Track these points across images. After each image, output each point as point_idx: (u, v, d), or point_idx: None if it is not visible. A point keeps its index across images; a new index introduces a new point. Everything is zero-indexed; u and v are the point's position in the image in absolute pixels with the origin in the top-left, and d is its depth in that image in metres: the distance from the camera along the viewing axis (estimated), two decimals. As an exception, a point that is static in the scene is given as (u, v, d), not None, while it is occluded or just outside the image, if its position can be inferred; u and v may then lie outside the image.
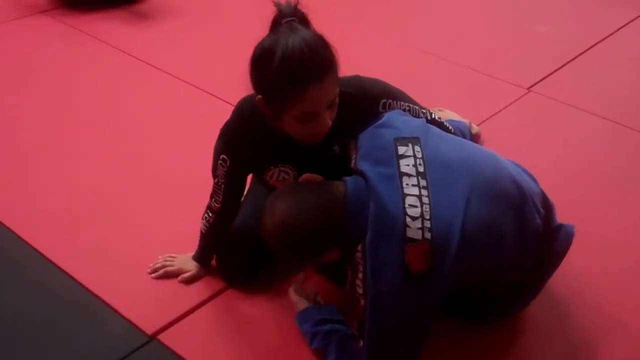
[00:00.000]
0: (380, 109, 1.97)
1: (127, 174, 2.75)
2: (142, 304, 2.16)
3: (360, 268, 1.75)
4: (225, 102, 3.12)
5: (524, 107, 3.24)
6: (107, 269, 2.27)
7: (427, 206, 1.74)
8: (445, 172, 1.82)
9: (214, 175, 2.08)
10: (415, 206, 1.73)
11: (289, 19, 1.78)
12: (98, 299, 2.18)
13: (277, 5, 1.81)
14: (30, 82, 3.42)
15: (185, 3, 4.28)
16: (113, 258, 2.32)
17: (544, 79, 3.50)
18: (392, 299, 1.73)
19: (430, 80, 3.46)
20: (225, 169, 2.02)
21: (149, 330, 2.07)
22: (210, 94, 3.27)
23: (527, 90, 3.39)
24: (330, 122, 1.82)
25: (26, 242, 2.40)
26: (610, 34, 3.99)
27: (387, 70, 3.49)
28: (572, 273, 2.27)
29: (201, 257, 2.25)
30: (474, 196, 1.80)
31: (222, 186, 2.07)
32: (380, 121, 1.93)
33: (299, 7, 1.81)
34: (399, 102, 2.01)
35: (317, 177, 1.87)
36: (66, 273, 2.27)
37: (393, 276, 1.71)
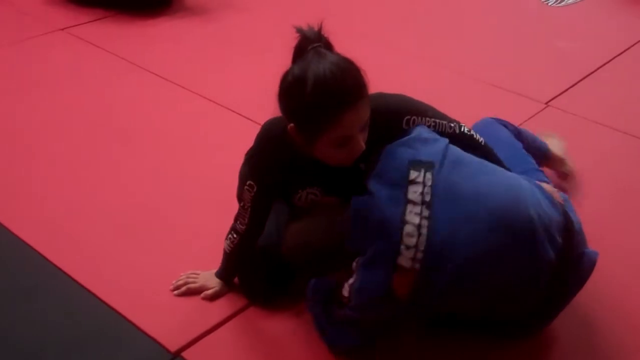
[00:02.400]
0: (404, 126, 1.97)
1: (150, 190, 2.75)
2: (166, 321, 2.16)
3: (353, 276, 1.87)
4: (247, 118, 3.13)
5: (542, 122, 3.23)
6: (130, 286, 2.28)
7: (424, 237, 1.78)
8: (452, 204, 1.83)
9: (240, 199, 2.10)
10: (412, 235, 1.78)
11: (315, 45, 1.79)
12: (121, 317, 2.18)
13: (301, 31, 1.82)
14: (50, 98, 3.43)
15: (204, 20, 4.30)
16: (136, 275, 2.33)
17: (562, 93, 3.49)
18: (371, 310, 1.90)
19: (448, 95, 3.43)
20: (252, 195, 2.03)
21: (173, 347, 2.07)
22: (232, 111, 3.27)
23: (545, 105, 3.38)
24: (364, 145, 1.83)
25: (49, 261, 2.40)
26: (628, 48, 3.99)
27: (406, 86, 3.52)
28: (597, 291, 2.25)
29: (224, 274, 2.25)
30: (478, 230, 1.82)
31: (249, 210, 2.07)
32: (403, 139, 1.93)
33: (322, 31, 1.82)
34: (424, 118, 2.01)
35: (334, 200, 1.99)
36: (90, 291, 2.27)
37: (377, 293, 1.83)
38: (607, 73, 3.73)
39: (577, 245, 2.01)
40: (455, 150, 1.96)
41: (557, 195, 2.09)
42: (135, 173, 2.86)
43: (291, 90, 1.79)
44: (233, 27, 4.22)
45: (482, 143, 2.12)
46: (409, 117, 1.98)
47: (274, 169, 2.00)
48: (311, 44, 1.79)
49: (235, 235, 2.14)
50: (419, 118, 1.99)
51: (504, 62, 3.83)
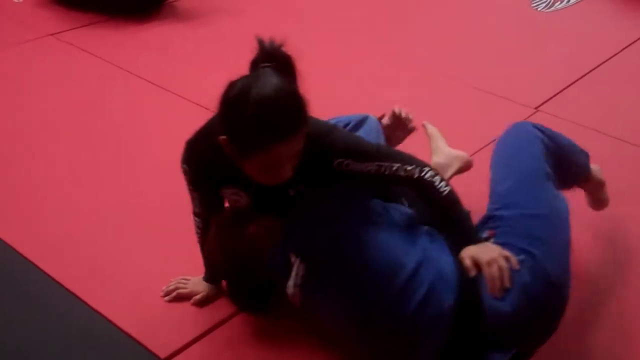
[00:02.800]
0: (335, 167, 1.92)
1: (141, 195, 2.75)
2: (156, 327, 2.15)
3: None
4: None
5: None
6: (119, 291, 2.27)
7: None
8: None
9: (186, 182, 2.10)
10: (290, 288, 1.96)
11: (266, 64, 1.77)
12: (110, 323, 2.17)
13: (260, 44, 1.81)
14: (39, 104, 3.42)
15: (193, 24, 4.31)
16: (126, 280, 2.32)
17: (551, 98, 3.50)
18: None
19: (437, 100, 3.46)
20: (188, 178, 2.05)
21: (162, 354, 2.06)
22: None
23: (535, 110, 3.39)
24: (291, 172, 1.83)
25: (37, 267, 2.39)
26: (617, 53, 4.01)
27: (396, 92, 3.57)
28: (592, 297, 2.27)
29: (209, 276, 2.24)
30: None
31: (194, 194, 2.09)
32: (321, 194, 1.98)
33: (283, 48, 1.79)
34: (363, 163, 1.93)
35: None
36: (78, 297, 2.27)
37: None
38: (596, 78, 3.75)
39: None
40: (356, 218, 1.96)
41: (513, 260, 1.87)
42: (126, 178, 2.85)
43: (231, 105, 1.76)
44: (223, 32, 4.22)
45: (444, 194, 1.94)
46: (341, 160, 1.91)
47: (204, 160, 1.99)
48: (266, 61, 1.78)
49: (197, 218, 2.15)
50: (355, 163, 1.92)
51: (494, 67, 3.84)
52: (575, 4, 4.67)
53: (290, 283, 1.95)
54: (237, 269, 2.10)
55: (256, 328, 2.18)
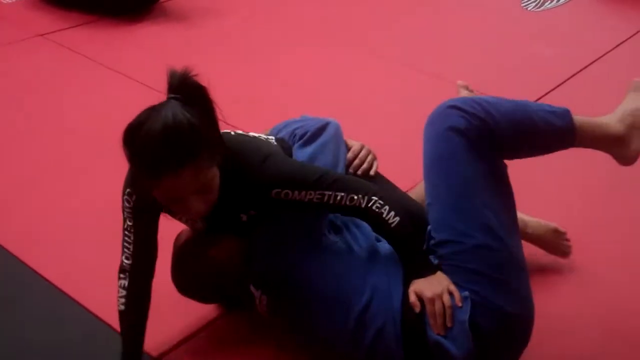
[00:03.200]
0: (274, 197, 1.88)
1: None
2: (148, 326, 2.12)
3: None
4: (229, 124, 3.11)
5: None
6: (112, 292, 2.25)
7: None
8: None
9: (123, 219, 1.96)
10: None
11: (172, 96, 1.75)
12: (103, 323, 2.18)
13: (170, 75, 1.77)
14: (30, 105, 3.42)
15: (183, 25, 4.30)
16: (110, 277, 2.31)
17: (540, 98, 3.49)
18: None
19: (424, 100, 3.43)
20: (130, 205, 1.92)
21: (155, 352, 2.07)
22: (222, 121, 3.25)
23: (524, 110, 3.39)
24: (204, 206, 1.79)
25: (30, 267, 2.39)
26: (607, 52, 4.02)
27: (382, 91, 3.58)
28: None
29: (127, 356, 1.98)
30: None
31: (132, 231, 1.93)
32: (273, 220, 1.98)
33: (193, 79, 1.77)
34: (302, 193, 1.87)
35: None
36: (71, 298, 2.27)
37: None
38: (586, 77, 3.76)
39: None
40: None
41: (457, 296, 1.81)
42: (117, 178, 2.83)
43: (125, 138, 1.75)
44: (213, 32, 4.22)
45: (393, 225, 1.86)
46: (278, 190, 1.86)
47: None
48: (175, 92, 1.76)
49: (124, 281, 1.95)
50: (293, 192, 1.86)
51: (482, 67, 3.84)
52: (564, 3, 4.68)
53: (258, 307, 2.01)
54: (202, 289, 2.11)
55: (246, 326, 2.18)
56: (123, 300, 1.95)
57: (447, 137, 1.89)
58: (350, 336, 1.87)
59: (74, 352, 2.10)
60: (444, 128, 1.89)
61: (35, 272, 2.38)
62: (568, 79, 3.72)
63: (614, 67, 3.88)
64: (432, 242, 1.89)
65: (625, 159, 2.10)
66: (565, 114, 2.01)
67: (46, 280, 2.34)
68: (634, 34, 4.26)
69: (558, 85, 3.64)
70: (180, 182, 1.72)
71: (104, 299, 2.22)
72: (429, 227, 1.91)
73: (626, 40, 4.18)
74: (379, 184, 2.13)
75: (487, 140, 1.89)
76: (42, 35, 4.10)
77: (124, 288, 1.95)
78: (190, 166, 1.71)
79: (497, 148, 1.92)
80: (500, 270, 1.84)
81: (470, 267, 1.83)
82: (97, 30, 4.20)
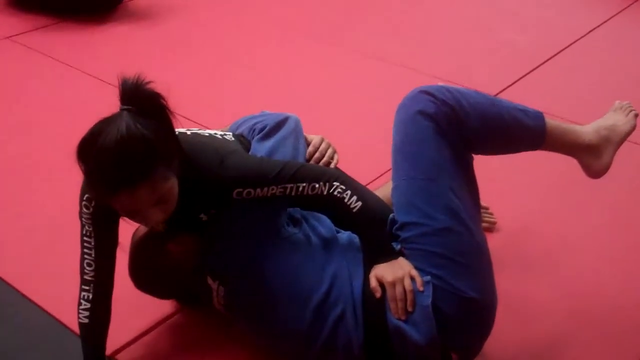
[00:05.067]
0: (235, 197, 1.87)
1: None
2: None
3: None
4: (193, 121, 3.09)
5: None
6: (66, 290, 2.22)
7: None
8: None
9: (81, 225, 1.89)
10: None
11: (124, 107, 1.70)
12: (56, 321, 2.15)
13: (122, 84, 1.71)
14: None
15: (148, 24, 4.27)
16: (71, 279, 2.26)
17: (511, 85, 3.50)
18: None
19: (395, 90, 3.42)
20: (90, 211, 1.86)
21: (108, 350, 2.00)
22: (180, 115, 3.21)
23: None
24: (162, 216, 1.76)
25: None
26: (579, 39, 4.01)
27: (353, 83, 3.56)
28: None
29: None
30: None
31: (92, 236, 1.87)
32: (232, 215, 1.94)
33: (146, 88, 1.71)
34: (264, 189, 1.86)
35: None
36: (26, 297, 2.24)
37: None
38: (557, 65, 3.75)
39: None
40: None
41: (418, 280, 1.79)
42: (76, 179, 2.80)
43: (80, 152, 1.70)
44: (177, 31, 4.20)
45: (355, 210, 1.85)
46: (240, 189, 1.85)
47: None
48: (127, 102, 1.70)
49: (88, 294, 1.88)
50: (255, 190, 1.86)
51: (454, 54, 3.84)
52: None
53: (214, 301, 1.97)
54: (160, 284, 2.08)
55: (202, 322, 2.15)
56: (86, 313, 1.90)
57: (417, 121, 1.88)
58: (307, 330, 1.84)
59: (25, 351, 2.07)
60: (414, 111, 1.89)
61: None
62: (540, 64, 3.71)
63: (587, 53, 3.87)
64: (396, 225, 1.86)
65: (592, 170, 2.11)
66: (538, 116, 2.02)
67: (4, 281, 2.31)
68: (607, 20, 4.26)
69: (530, 71, 3.63)
70: (136, 198, 1.69)
71: (50, 293, 2.24)
72: (391, 214, 1.89)
73: (599, 25, 4.19)
74: None
75: (455, 129, 1.88)
76: (8, 37, 4.07)
77: (87, 300, 1.89)
78: (145, 182, 1.67)
79: (464, 139, 1.91)
80: (463, 255, 1.82)
81: (433, 250, 1.81)
82: (63, 31, 4.17)
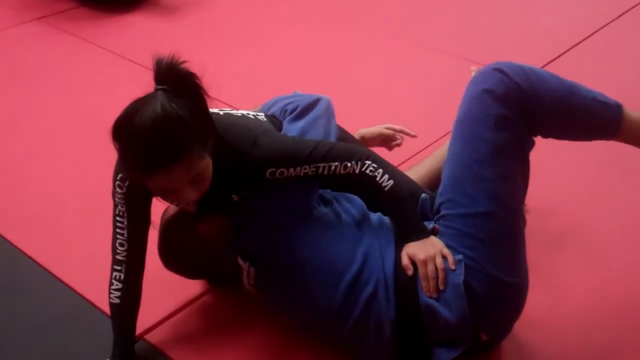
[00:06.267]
0: (268, 176, 1.86)
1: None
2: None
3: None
4: (229, 105, 3.10)
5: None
6: (95, 270, 2.23)
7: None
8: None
9: (114, 205, 1.91)
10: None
11: (159, 87, 1.70)
12: (86, 301, 2.17)
13: (156, 64, 1.71)
14: (28, 88, 3.42)
15: (179, 15, 4.24)
16: (101, 259, 2.27)
17: (542, 67, 3.45)
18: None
19: (427, 73, 3.44)
20: (123, 191, 1.88)
21: (137, 330, 2.03)
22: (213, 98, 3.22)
23: (524, 80, 3.34)
24: (196, 195, 1.76)
25: (14, 245, 2.40)
26: (608, 23, 3.95)
27: (385, 66, 3.54)
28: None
29: (121, 349, 1.95)
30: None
31: (125, 216, 1.89)
32: (264, 195, 1.94)
33: (181, 67, 1.71)
34: (296, 168, 1.86)
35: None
36: (55, 276, 2.26)
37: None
38: (588, 47, 3.70)
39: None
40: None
41: (450, 259, 1.80)
42: (108, 158, 2.82)
43: (114, 133, 1.70)
44: (205, 20, 4.17)
45: (387, 189, 1.86)
46: (272, 170, 1.85)
47: None
48: (161, 82, 1.71)
49: (119, 274, 1.91)
50: (288, 170, 1.86)
51: (483, 37, 3.80)
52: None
53: (244, 282, 1.97)
54: (190, 264, 2.09)
55: (232, 302, 2.16)
56: (118, 293, 1.92)
57: (483, 99, 1.84)
58: (338, 309, 1.84)
59: (56, 329, 2.10)
60: (482, 89, 1.85)
61: (17, 248, 2.39)
62: (570, 48, 3.66)
63: (616, 36, 3.81)
64: (439, 199, 1.87)
65: None
66: (616, 110, 1.94)
67: (29, 257, 2.35)
68: (638, 3, 4.18)
69: (560, 55, 3.59)
70: (172, 178, 1.69)
71: (81, 274, 2.27)
72: (423, 194, 1.92)
73: (630, 9, 4.11)
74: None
75: (521, 111, 1.83)
76: (39, 19, 4.09)
77: (118, 281, 1.91)
78: (181, 161, 1.68)
79: (532, 122, 1.86)
80: (499, 240, 1.82)
81: (469, 231, 1.81)
82: (93, 15, 4.17)
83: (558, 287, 2.20)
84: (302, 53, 3.73)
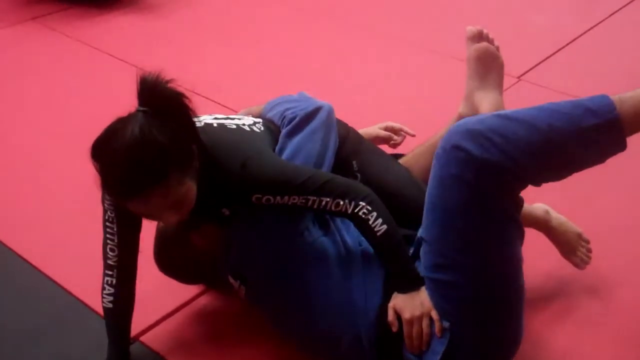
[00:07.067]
0: (254, 201, 1.80)
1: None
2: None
3: None
4: (217, 103, 3.11)
5: (514, 96, 3.18)
6: (88, 271, 2.24)
7: None
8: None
9: (103, 210, 1.88)
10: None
11: (141, 109, 1.65)
12: (81, 303, 2.17)
13: (140, 82, 1.66)
14: (20, 88, 3.41)
15: (173, 8, 4.27)
16: (94, 260, 2.28)
17: (534, 67, 3.48)
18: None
19: (418, 73, 3.45)
20: (113, 199, 1.83)
21: (132, 332, 2.04)
22: (211, 100, 3.22)
23: (517, 79, 3.37)
24: (178, 217, 1.73)
25: (6, 246, 2.40)
26: (601, 21, 3.97)
27: (378, 66, 3.55)
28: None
29: (115, 352, 1.94)
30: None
31: (114, 222, 1.86)
32: (255, 215, 1.90)
33: (166, 88, 1.66)
34: (284, 197, 1.79)
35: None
36: (49, 278, 2.27)
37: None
38: (580, 46, 3.72)
39: None
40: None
41: (437, 326, 1.72)
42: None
43: (93, 152, 1.67)
44: (207, 10, 4.20)
45: (379, 233, 1.77)
46: (258, 195, 1.79)
47: None
48: (143, 103, 1.66)
49: (111, 279, 1.89)
50: (274, 198, 1.79)
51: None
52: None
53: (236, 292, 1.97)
54: (185, 271, 2.09)
55: (227, 304, 2.17)
56: (110, 298, 1.91)
57: (453, 187, 1.63)
58: (322, 341, 1.86)
59: (49, 330, 2.10)
60: (450, 174, 1.62)
61: (9, 248, 2.39)
62: (563, 47, 3.68)
63: (609, 35, 3.82)
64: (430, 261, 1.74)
65: None
66: (609, 121, 1.60)
67: (21, 257, 2.35)
68: (630, 2, 4.20)
69: (553, 54, 3.61)
70: (149, 203, 1.66)
71: (75, 275, 2.26)
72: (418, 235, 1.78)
73: (621, 8, 4.13)
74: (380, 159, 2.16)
75: (505, 186, 1.61)
76: (34, 18, 4.09)
77: (110, 285, 1.90)
78: (158, 188, 1.64)
79: (521, 186, 1.65)
80: (491, 307, 1.71)
81: (461, 295, 1.70)
82: (88, 12, 4.18)
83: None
84: (298, 53, 3.75)
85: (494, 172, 1.58)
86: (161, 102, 1.66)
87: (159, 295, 2.16)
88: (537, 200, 2.13)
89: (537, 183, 1.66)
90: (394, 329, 1.76)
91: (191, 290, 2.20)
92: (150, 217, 1.76)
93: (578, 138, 1.60)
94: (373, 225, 1.78)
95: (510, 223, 1.68)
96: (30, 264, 2.33)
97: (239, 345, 2.05)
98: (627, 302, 2.17)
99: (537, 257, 2.07)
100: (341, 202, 1.79)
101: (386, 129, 2.44)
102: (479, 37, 2.22)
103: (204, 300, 2.19)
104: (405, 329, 1.75)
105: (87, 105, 3.22)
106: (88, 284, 2.16)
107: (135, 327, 2.02)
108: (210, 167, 1.78)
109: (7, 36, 3.92)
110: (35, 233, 2.47)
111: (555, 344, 2.04)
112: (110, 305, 1.91)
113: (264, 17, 4.11)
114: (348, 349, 1.82)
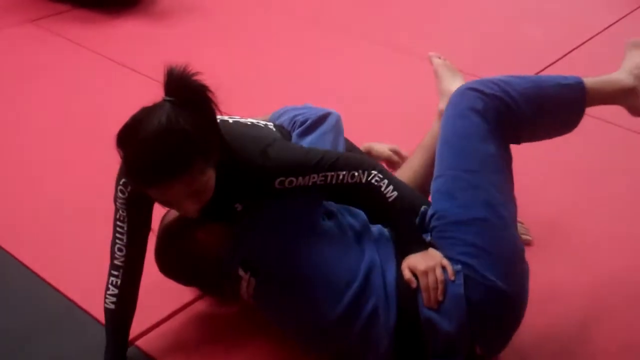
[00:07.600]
0: (277, 186, 1.88)
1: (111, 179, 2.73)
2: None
3: None
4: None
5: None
6: (84, 273, 2.27)
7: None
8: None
9: (115, 210, 1.92)
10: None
11: (167, 99, 1.70)
12: (76, 306, 2.19)
13: (167, 74, 1.71)
14: (20, 91, 3.43)
15: (175, 9, 4.29)
16: (90, 263, 2.28)
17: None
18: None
19: (413, 82, 3.46)
20: (125, 196, 1.88)
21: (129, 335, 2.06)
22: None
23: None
24: (197, 206, 1.77)
25: (5, 250, 2.41)
26: (594, 36, 4.01)
27: (371, 76, 3.57)
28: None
29: (112, 354, 1.97)
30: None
31: (125, 221, 1.90)
32: (267, 206, 1.94)
33: (192, 80, 1.71)
34: (305, 177, 1.88)
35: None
36: (45, 281, 2.28)
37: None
38: (575, 59, 3.74)
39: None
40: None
41: (450, 270, 1.83)
42: (98, 161, 2.83)
43: (119, 139, 1.71)
44: (205, 26, 4.21)
45: (390, 200, 1.90)
46: (282, 178, 1.87)
47: None
48: (170, 93, 1.71)
49: (116, 279, 1.92)
50: (297, 179, 1.88)
51: (474, 49, 3.83)
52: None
53: (242, 292, 1.96)
54: (185, 271, 2.08)
55: (224, 309, 2.19)
56: (113, 299, 1.93)
57: (466, 116, 1.96)
58: (340, 322, 1.86)
59: (43, 332, 2.11)
60: (463, 108, 1.97)
61: (5, 250, 2.41)
62: (557, 60, 3.71)
63: (605, 48, 3.85)
64: (431, 213, 1.90)
65: (636, 109, 2.19)
66: (578, 84, 2.09)
67: (15, 259, 2.37)
68: (626, 15, 4.24)
69: (547, 67, 3.63)
70: (172, 191, 1.71)
71: (71, 278, 2.27)
72: (424, 207, 1.92)
73: (617, 21, 4.16)
74: None
75: (504, 120, 1.97)
76: (32, 21, 4.10)
77: (115, 286, 1.93)
78: (182, 176, 1.68)
79: (515, 128, 2.00)
80: (496, 246, 1.85)
81: (465, 238, 1.85)
82: (87, 16, 4.20)
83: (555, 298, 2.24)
84: (296, 61, 3.77)
85: (497, 104, 1.96)
86: (187, 93, 1.72)
87: (155, 300, 2.17)
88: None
89: (525, 125, 2.02)
90: (413, 285, 1.83)
91: (187, 294, 2.22)
92: (170, 205, 1.80)
93: (555, 92, 2.06)
94: (385, 192, 1.90)
95: (507, 150, 1.99)
96: (27, 267, 2.34)
97: (234, 350, 2.07)
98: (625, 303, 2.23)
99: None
100: (355, 174, 1.90)
101: (396, 154, 2.51)
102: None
103: (200, 305, 2.21)
104: (421, 281, 1.82)
105: (85, 109, 3.24)
106: (85, 288, 2.19)
107: (131, 331, 2.03)
108: (229, 159, 1.83)
109: (6, 38, 3.94)
110: (32, 235, 2.48)
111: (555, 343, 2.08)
112: (112, 307, 1.93)
113: (270, 26, 4.13)
114: (364, 328, 1.84)
